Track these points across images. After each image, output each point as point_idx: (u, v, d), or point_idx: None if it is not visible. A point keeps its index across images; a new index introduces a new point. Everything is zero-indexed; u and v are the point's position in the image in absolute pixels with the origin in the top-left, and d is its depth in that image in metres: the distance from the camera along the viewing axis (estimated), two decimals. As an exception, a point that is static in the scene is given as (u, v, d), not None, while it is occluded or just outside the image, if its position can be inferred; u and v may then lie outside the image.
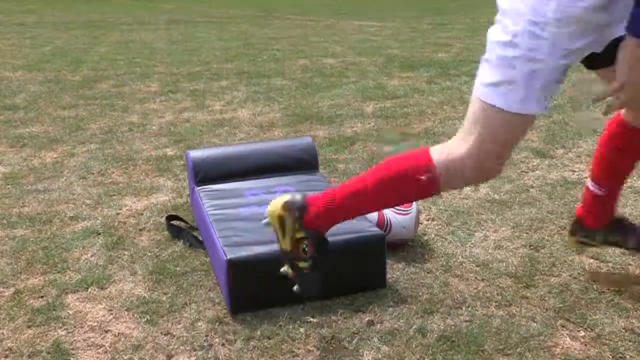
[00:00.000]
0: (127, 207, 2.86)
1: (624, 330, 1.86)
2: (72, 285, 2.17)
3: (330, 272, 2.05)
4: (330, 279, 2.05)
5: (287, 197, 1.77)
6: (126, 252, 2.42)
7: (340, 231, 2.10)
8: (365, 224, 2.16)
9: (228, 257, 1.96)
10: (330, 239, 2.06)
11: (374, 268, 2.10)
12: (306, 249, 1.77)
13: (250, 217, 2.25)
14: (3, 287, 2.17)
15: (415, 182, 1.63)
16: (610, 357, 1.75)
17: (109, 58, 7.53)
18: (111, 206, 2.88)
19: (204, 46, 8.65)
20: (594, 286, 2.11)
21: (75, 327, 1.93)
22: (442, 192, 1.68)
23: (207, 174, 2.60)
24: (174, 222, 2.63)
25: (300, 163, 2.70)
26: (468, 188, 3.01)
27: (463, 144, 1.61)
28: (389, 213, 2.35)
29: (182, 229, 2.54)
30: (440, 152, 1.64)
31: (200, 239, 2.44)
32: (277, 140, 2.79)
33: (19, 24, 12.00)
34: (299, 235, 1.76)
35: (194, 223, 2.64)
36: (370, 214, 2.23)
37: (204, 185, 2.57)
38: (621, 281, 2.13)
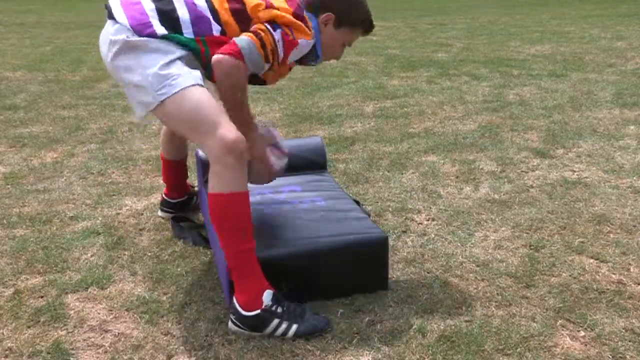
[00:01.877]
0: (127, 207, 2.86)
1: (624, 330, 1.86)
2: (72, 285, 2.17)
3: (331, 273, 2.05)
4: (331, 280, 2.05)
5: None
6: (126, 252, 2.42)
7: (343, 232, 2.10)
8: (368, 226, 2.15)
9: (228, 257, 1.95)
10: (332, 239, 2.07)
11: (376, 270, 2.09)
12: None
13: (254, 216, 2.24)
14: (3, 287, 2.17)
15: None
16: (610, 357, 1.75)
17: (109, 58, 7.53)
18: (111, 206, 2.88)
19: (204, 46, 8.64)
20: (594, 286, 2.11)
21: (75, 327, 1.93)
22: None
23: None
24: (182, 224, 2.62)
25: (309, 163, 2.69)
26: (468, 188, 3.01)
27: None
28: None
29: (185, 229, 2.54)
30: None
31: (207, 237, 2.44)
32: (286, 139, 2.79)
33: (19, 24, 11.99)
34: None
35: (201, 222, 2.64)
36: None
37: None
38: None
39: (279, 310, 1.86)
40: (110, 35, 1.90)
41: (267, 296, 1.87)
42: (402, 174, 3.24)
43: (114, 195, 3.02)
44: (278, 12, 1.90)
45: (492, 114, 4.41)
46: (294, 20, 1.91)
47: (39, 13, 14.64)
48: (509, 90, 5.19)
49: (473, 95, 5.06)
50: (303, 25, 1.93)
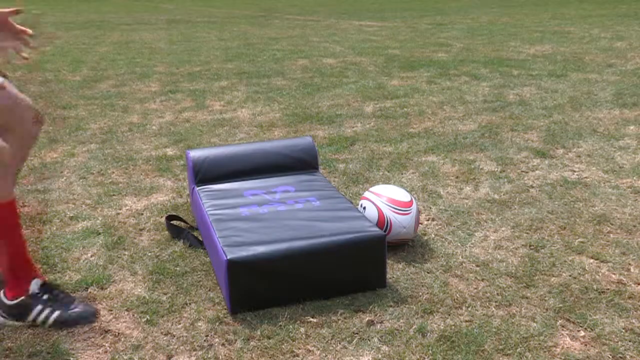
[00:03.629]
0: (127, 207, 2.86)
1: (624, 330, 1.86)
2: (72, 285, 2.17)
3: (330, 272, 2.05)
4: (330, 279, 2.05)
5: None
6: (126, 252, 2.42)
7: (340, 231, 2.10)
8: (365, 224, 2.16)
9: (228, 257, 1.95)
10: (330, 238, 2.07)
11: (374, 268, 2.10)
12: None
13: (250, 217, 2.25)
14: (3, 287, 2.17)
15: None
16: (610, 357, 1.75)
17: (109, 58, 7.53)
18: (111, 206, 2.88)
19: (204, 46, 8.65)
20: (594, 286, 2.11)
21: (75, 327, 1.93)
22: None
23: (207, 174, 2.60)
24: (174, 222, 2.63)
25: (301, 163, 2.70)
26: (468, 188, 3.01)
27: None
28: (389, 213, 2.35)
29: (182, 229, 2.54)
30: None
31: (201, 239, 2.44)
32: (277, 140, 2.79)
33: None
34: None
35: (194, 223, 2.64)
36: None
37: (204, 185, 2.57)
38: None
39: (45, 297, 1.93)
40: None
41: (35, 284, 1.94)
42: (402, 174, 3.24)
43: (114, 195, 3.02)
44: None
45: (492, 114, 4.41)
46: None
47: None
48: (509, 90, 5.19)
49: (473, 95, 5.06)
50: None
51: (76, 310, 1.94)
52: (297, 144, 2.76)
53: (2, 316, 1.94)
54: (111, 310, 2.02)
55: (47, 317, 1.91)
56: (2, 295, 1.94)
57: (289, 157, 2.70)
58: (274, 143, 2.80)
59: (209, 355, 1.78)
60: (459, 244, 2.44)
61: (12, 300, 1.92)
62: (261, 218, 2.23)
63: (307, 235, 2.07)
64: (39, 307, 1.92)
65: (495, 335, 1.84)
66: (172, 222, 2.62)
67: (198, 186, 2.57)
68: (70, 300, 1.97)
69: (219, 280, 2.12)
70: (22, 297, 1.92)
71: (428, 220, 2.67)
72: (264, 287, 2.00)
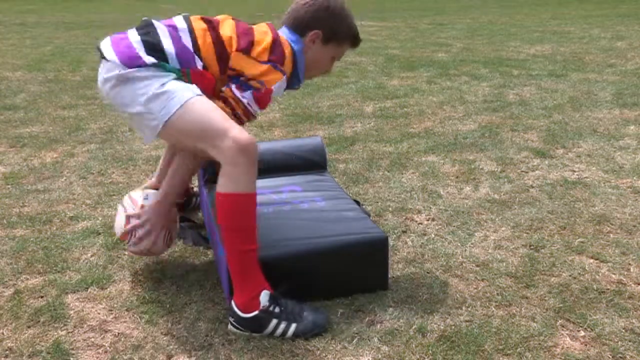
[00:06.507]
0: (127, 207, 2.86)
1: (624, 330, 1.86)
2: (72, 285, 2.17)
3: (331, 273, 2.05)
4: (331, 280, 2.05)
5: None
6: (126, 252, 2.42)
7: (342, 232, 2.10)
8: (368, 225, 2.15)
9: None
10: (332, 239, 2.07)
11: (376, 270, 2.09)
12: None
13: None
14: (3, 287, 2.17)
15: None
16: (610, 357, 1.75)
17: (109, 58, 7.53)
18: (111, 206, 2.88)
19: (204, 46, 8.64)
20: (594, 286, 2.11)
21: (75, 327, 1.93)
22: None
23: (215, 172, 2.59)
24: (182, 224, 2.62)
25: (309, 163, 2.69)
26: (468, 188, 3.01)
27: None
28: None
29: (185, 229, 2.54)
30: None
31: (208, 237, 2.44)
32: (286, 139, 2.79)
33: (19, 24, 12.00)
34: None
35: (201, 222, 2.64)
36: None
37: (213, 184, 2.57)
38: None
39: (277, 310, 1.87)
40: (103, 74, 1.95)
41: (264, 297, 1.87)
42: (402, 174, 3.24)
43: (114, 195, 3.02)
44: (248, 62, 1.96)
45: (492, 114, 4.41)
46: (264, 70, 1.96)
47: (39, 13, 14.63)
48: (509, 90, 5.19)
49: (473, 95, 5.06)
50: (272, 68, 1.98)
51: (310, 319, 1.88)
52: (306, 144, 2.75)
53: (238, 328, 1.88)
54: (111, 310, 2.02)
55: (285, 331, 1.85)
56: (234, 304, 1.87)
57: (297, 156, 2.69)
58: (283, 142, 2.79)
59: (209, 355, 1.78)
60: (459, 244, 2.44)
61: (247, 314, 1.86)
62: (265, 217, 2.23)
63: (309, 236, 2.07)
64: (274, 321, 1.85)
65: (495, 335, 1.84)
66: (181, 223, 2.61)
67: (206, 185, 2.57)
68: (301, 309, 1.89)
69: (221, 279, 2.12)
70: (256, 312, 1.85)
71: (428, 220, 2.67)
72: (264, 287, 1.99)
